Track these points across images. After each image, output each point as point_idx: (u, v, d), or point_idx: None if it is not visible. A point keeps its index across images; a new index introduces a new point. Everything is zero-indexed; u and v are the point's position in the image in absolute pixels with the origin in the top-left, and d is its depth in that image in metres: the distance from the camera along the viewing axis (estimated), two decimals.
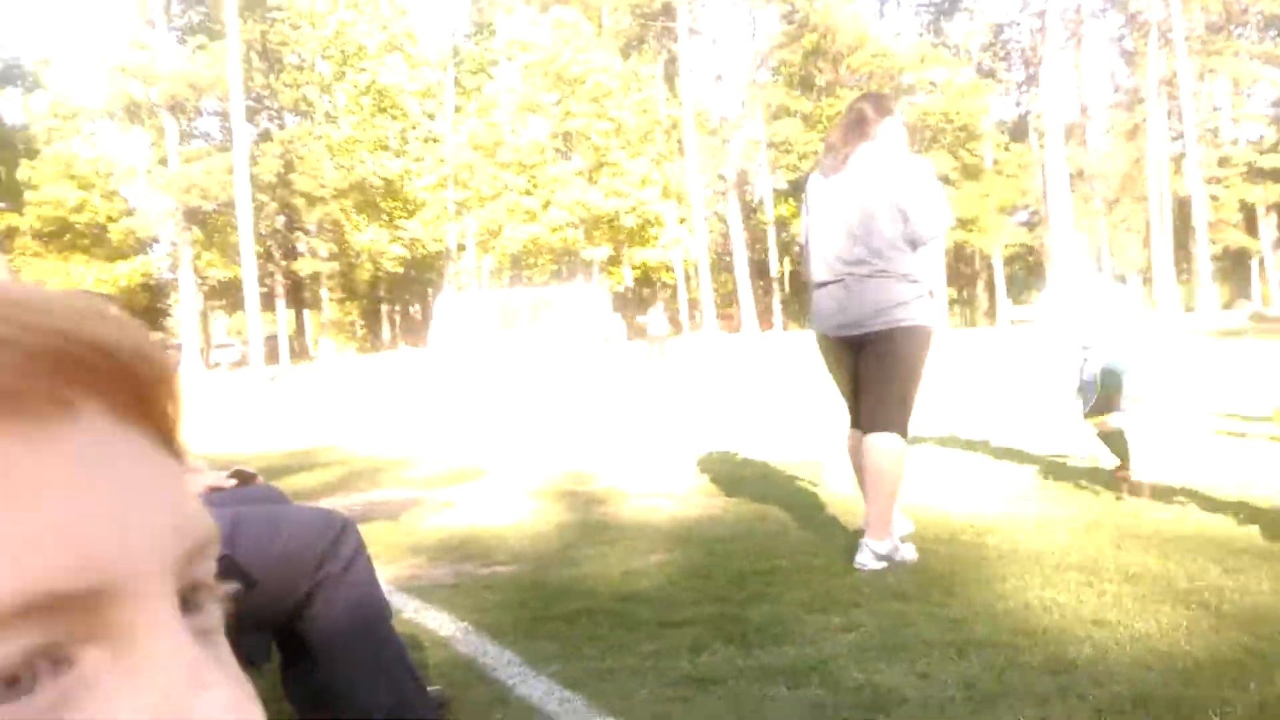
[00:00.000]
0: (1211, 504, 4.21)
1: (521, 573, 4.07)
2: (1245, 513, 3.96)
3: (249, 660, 1.93)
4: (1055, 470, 5.33)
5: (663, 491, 5.80)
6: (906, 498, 4.11)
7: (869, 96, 3.99)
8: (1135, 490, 4.48)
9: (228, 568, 1.65)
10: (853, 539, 4.10)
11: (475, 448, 9.10)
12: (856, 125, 3.81)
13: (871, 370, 3.72)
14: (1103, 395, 4.64)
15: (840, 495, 5.13)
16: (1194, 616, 2.77)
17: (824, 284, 3.82)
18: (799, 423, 9.06)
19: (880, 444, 3.66)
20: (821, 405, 9.74)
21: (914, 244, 3.67)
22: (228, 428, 14.48)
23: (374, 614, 2.05)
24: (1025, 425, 7.52)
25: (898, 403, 3.70)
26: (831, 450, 6.78)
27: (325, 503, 6.36)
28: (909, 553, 3.66)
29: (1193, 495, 4.40)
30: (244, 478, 2.33)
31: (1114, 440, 4.71)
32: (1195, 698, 2.22)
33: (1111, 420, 4.65)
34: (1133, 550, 3.53)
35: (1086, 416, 4.69)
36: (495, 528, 5.10)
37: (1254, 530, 3.71)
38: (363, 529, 5.16)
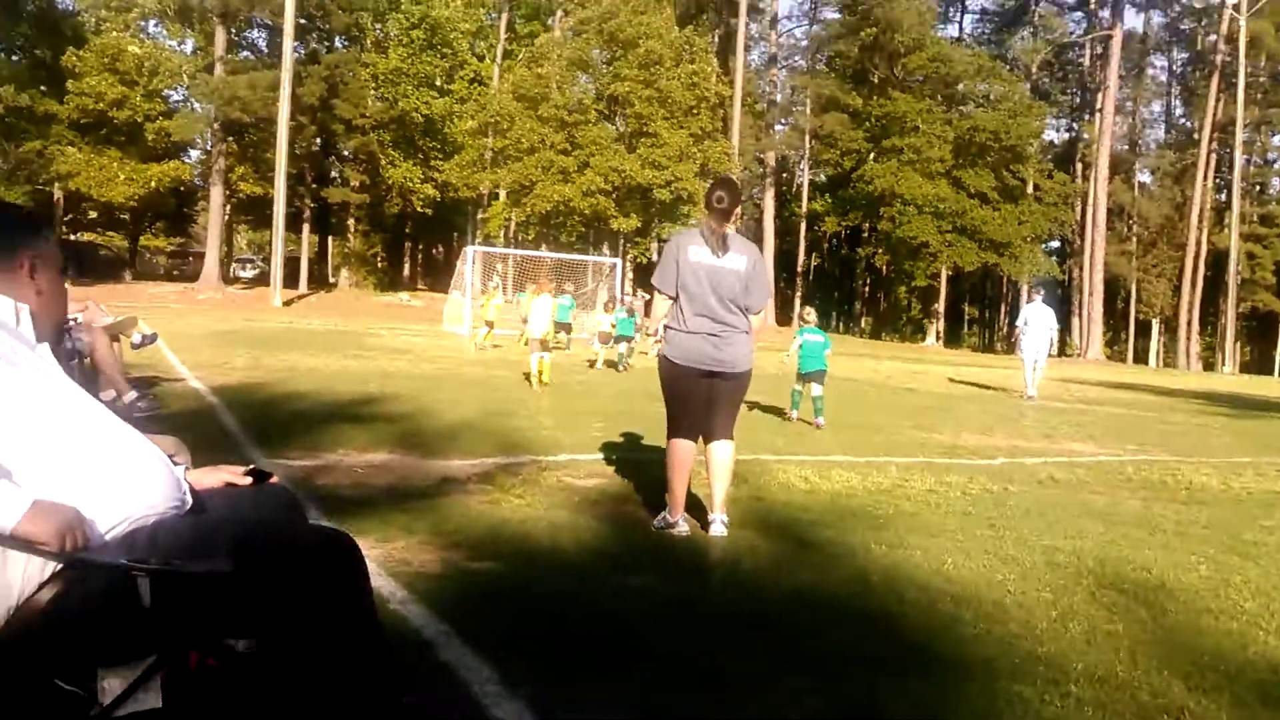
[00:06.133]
0: None
1: (508, 573, 4.15)
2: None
3: None
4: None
5: (662, 503, 5.87)
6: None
7: (732, 186, 5.27)
8: None
9: (236, 592, 1.76)
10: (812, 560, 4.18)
11: (482, 423, 9.20)
12: (727, 214, 5.09)
13: (731, 397, 5.19)
14: None
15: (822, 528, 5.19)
16: None
17: (699, 333, 5.02)
18: (822, 436, 9.12)
19: (731, 447, 5.23)
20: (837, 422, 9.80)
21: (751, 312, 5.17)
22: (254, 356, 14.59)
23: (367, 639, 2.13)
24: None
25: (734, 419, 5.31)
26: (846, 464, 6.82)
27: (325, 459, 6.49)
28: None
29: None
30: (259, 476, 2.42)
31: None
32: None
33: None
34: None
35: None
36: (488, 517, 5.18)
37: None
38: (354, 495, 5.27)
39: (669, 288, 5.11)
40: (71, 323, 7.82)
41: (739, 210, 5.26)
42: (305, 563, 2.01)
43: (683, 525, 5.11)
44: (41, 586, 1.84)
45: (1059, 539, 5.47)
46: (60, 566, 1.84)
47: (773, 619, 3.76)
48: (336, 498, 5.40)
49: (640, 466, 6.94)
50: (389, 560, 4.21)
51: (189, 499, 2.11)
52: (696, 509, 5.45)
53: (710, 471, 5.20)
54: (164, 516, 2.01)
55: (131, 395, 7.10)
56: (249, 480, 2.39)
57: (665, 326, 5.21)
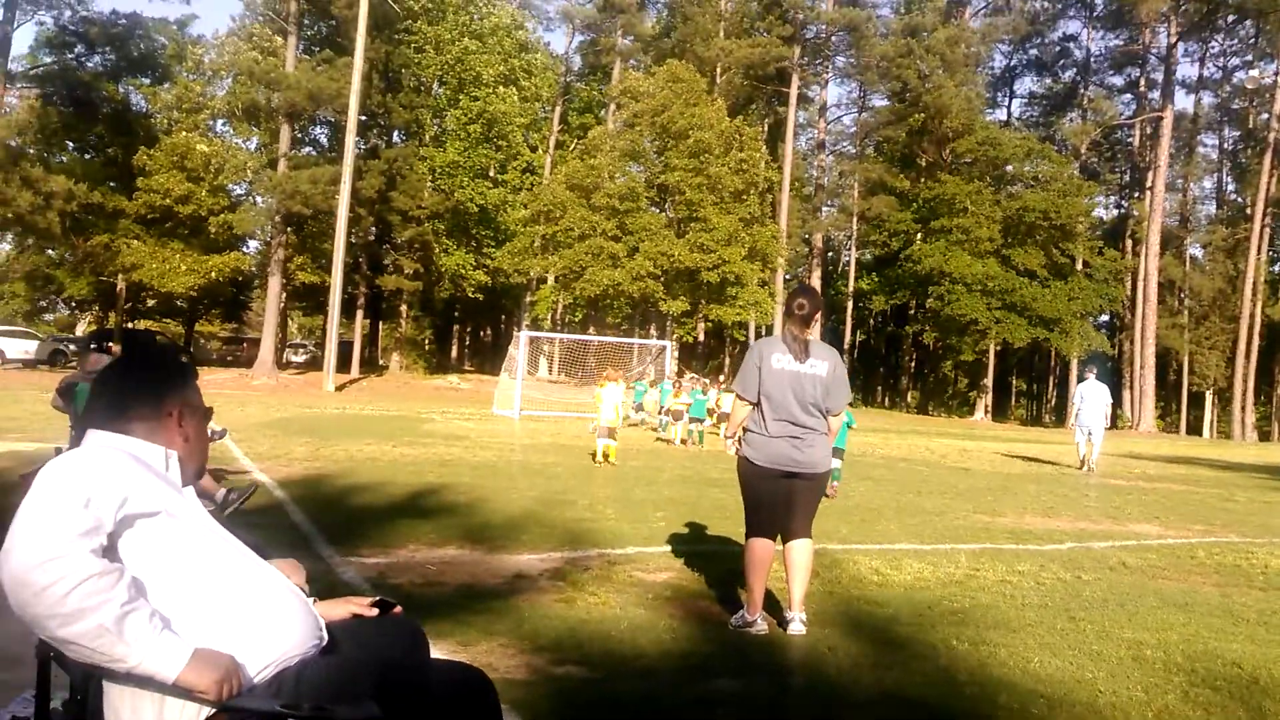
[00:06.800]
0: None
1: (595, 679, 4.17)
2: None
3: None
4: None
5: (734, 597, 5.86)
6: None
7: (812, 293, 5.46)
8: None
9: None
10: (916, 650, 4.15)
11: (545, 514, 9.24)
12: (807, 320, 5.23)
13: (810, 497, 5.22)
14: None
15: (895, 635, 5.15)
16: None
17: (780, 436, 5.11)
18: (881, 529, 9.05)
19: (810, 546, 5.25)
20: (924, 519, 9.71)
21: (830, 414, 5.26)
22: (312, 446, 14.78)
23: None
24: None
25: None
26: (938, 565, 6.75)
27: (396, 556, 6.57)
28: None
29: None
30: (384, 606, 2.48)
31: None
32: None
33: None
34: None
35: None
36: (565, 616, 5.20)
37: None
38: (430, 595, 5.32)
39: (751, 394, 5.21)
40: None
41: (819, 316, 5.39)
42: (446, 706, 2.08)
43: (761, 624, 5.12)
44: None
45: (1141, 631, 5.39)
46: (214, 711, 1.91)
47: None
48: (413, 598, 5.45)
49: (708, 560, 6.96)
50: (474, 664, 4.24)
51: (325, 635, 2.18)
52: (770, 604, 5.44)
53: (789, 570, 5.22)
54: (305, 656, 2.08)
55: (221, 492, 7.29)
56: (375, 611, 2.45)
57: (745, 429, 5.29)
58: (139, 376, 2.26)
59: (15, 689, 3.54)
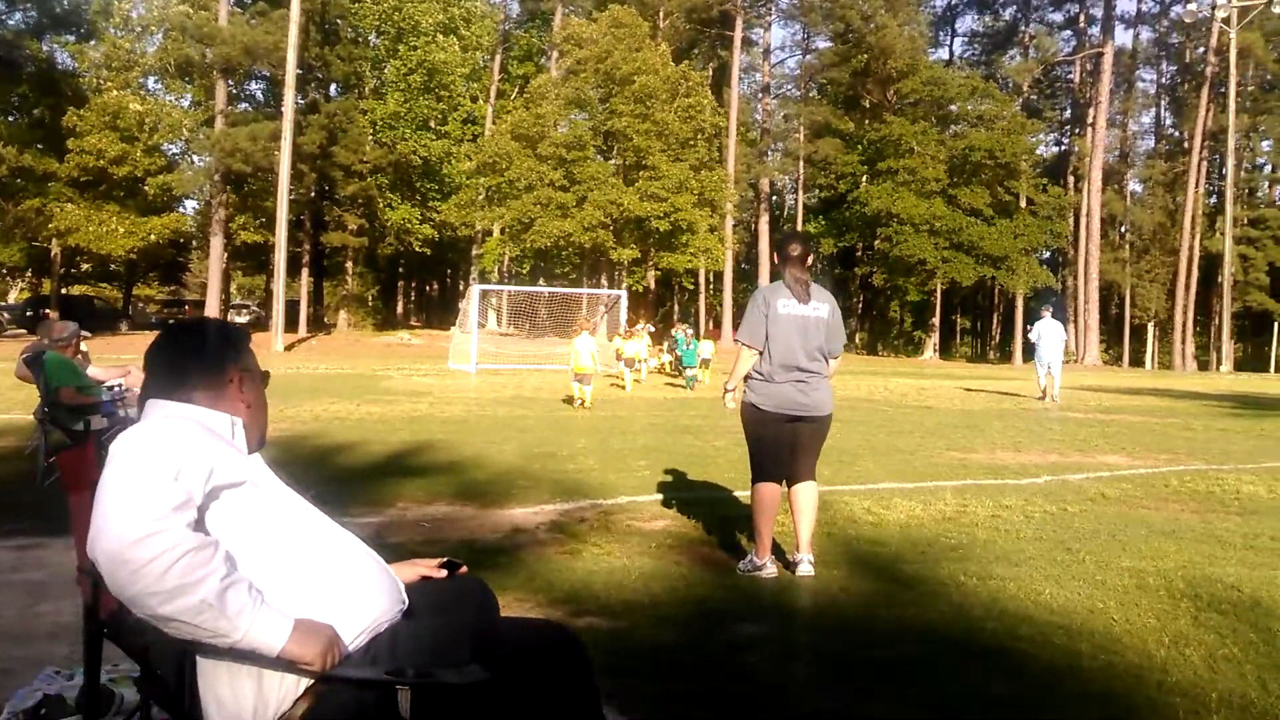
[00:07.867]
0: None
1: (620, 629, 4.15)
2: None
3: None
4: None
5: (733, 543, 5.88)
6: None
7: (802, 236, 5.62)
8: None
9: (488, 700, 1.79)
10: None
11: (529, 466, 9.19)
12: (803, 260, 5.30)
13: (815, 439, 5.23)
14: None
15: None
16: None
17: (785, 381, 5.10)
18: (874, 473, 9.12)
19: (815, 488, 5.27)
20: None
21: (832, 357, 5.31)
22: (274, 407, 14.51)
23: None
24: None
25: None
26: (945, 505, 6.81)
27: (387, 514, 6.49)
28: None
29: None
30: (453, 568, 2.43)
31: None
32: None
33: None
34: None
35: None
36: (574, 568, 5.18)
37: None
38: (432, 552, 5.26)
39: (758, 342, 5.19)
40: (117, 388, 7.84)
41: (811, 258, 5.42)
42: (537, 665, 2.04)
43: (770, 567, 5.15)
44: (295, 702, 1.85)
45: (1138, 560, 5.49)
46: (312, 681, 1.86)
47: (900, 663, 3.77)
48: (414, 555, 5.39)
49: (700, 506, 6.98)
50: None
51: (406, 599, 2.12)
52: (773, 547, 5.46)
53: (795, 512, 5.23)
54: (394, 621, 2.03)
55: None
56: (444, 572, 2.41)
57: (748, 376, 5.27)
58: (195, 344, 2.18)
59: (28, 663, 3.47)
